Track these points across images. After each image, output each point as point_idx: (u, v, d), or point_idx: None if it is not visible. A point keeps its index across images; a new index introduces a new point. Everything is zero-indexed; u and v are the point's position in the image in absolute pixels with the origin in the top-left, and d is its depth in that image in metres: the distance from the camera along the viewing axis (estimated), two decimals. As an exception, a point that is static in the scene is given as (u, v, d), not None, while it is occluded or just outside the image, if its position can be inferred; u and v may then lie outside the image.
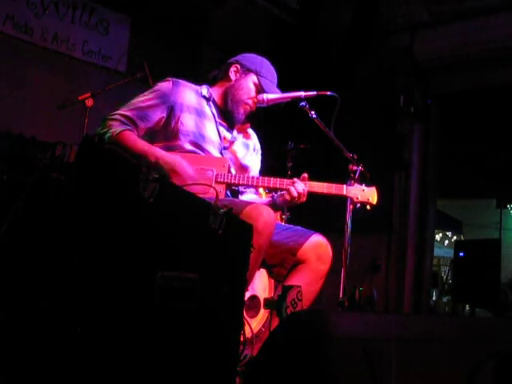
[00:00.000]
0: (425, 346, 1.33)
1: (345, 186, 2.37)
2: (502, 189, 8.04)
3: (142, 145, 2.31)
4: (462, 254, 5.67)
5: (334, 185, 2.37)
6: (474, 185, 8.53)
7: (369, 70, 5.37)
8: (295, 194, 2.30)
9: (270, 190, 2.70)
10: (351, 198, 2.38)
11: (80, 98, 3.59)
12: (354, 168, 2.44)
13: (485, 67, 5.03)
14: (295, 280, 2.28)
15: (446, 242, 11.03)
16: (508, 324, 1.60)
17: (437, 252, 8.12)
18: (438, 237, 10.37)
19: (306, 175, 2.38)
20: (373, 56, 5.36)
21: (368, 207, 2.41)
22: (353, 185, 2.39)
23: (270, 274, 2.57)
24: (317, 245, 2.36)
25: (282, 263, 2.36)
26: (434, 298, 8.31)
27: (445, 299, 8.05)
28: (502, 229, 7.32)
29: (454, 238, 10.78)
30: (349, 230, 2.46)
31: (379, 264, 5.25)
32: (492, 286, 5.09)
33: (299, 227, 2.47)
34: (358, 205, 2.39)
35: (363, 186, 2.40)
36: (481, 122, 6.15)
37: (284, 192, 2.35)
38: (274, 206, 2.41)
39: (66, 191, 1.25)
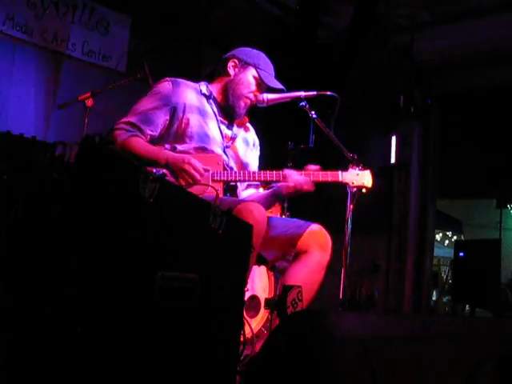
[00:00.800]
0: (425, 346, 1.33)
1: (340, 171, 2.38)
2: (502, 189, 8.04)
3: (150, 149, 2.32)
4: (461, 254, 5.67)
5: (329, 172, 2.38)
6: (474, 185, 8.53)
7: (369, 70, 5.37)
8: (291, 185, 2.32)
9: (265, 184, 2.71)
10: (347, 184, 2.39)
11: (80, 98, 3.58)
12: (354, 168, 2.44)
13: (485, 67, 5.03)
14: (297, 270, 2.30)
15: (446, 241, 11.03)
16: (508, 324, 1.60)
17: (437, 252, 8.12)
18: (438, 237, 10.37)
19: (313, 166, 2.39)
20: (373, 56, 5.36)
21: (364, 190, 2.41)
22: (347, 170, 2.40)
23: (272, 268, 2.57)
24: (317, 234, 2.37)
25: (284, 256, 2.36)
26: (434, 298, 8.30)
27: (445, 299, 8.05)
28: (501, 229, 7.31)
29: (454, 237, 10.77)
30: (349, 230, 2.46)
31: (379, 264, 5.25)
32: (492, 286, 5.09)
33: (296, 219, 2.48)
34: (354, 189, 2.40)
35: (357, 170, 2.40)
36: (481, 122, 6.14)
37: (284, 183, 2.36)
38: (278, 196, 2.42)
39: (66, 191, 1.25)
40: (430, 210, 5.50)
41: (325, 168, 2.42)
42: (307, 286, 2.13)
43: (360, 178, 2.39)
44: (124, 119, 2.38)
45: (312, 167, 2.41)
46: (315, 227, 2.39)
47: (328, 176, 2.38)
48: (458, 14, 4.92)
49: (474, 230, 10.40)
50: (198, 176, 2.28)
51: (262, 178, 2.38)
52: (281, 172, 2.36)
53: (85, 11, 4.53)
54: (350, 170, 2.40)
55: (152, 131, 2.38)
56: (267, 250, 2.35)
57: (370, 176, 2.41)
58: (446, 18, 5.02)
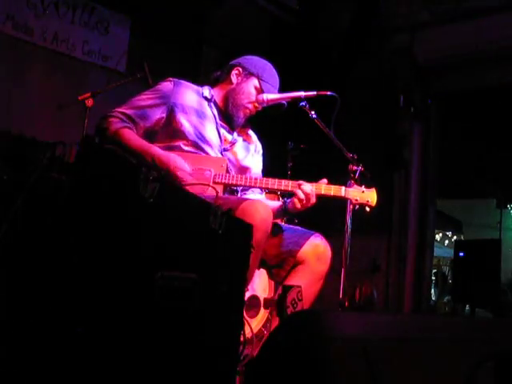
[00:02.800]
0: (425, 345, 1.33)
1: (343, 187, 2.35)
2: (502, 189, 8.04)
3: (140, 143, 2.31)
4: (461, 254, 5.67)
5: (332, 186, 2.34)
6: (474, 185, 8.53)
7: (369, 70, 5.37)
8: (302, 197, 2.27)
9: (270, 192, 2.68)
10: (350, 200, 2.37)
11: (80, 98, 3.58)
12: (354, 168, 2.43)
13: (485, 67, 5.03)
14: (295, 281, 2.28)
15: (446, 241, 11.03)
16: (508, 324, 1.60)
17: (437, 252, 8.12)
18: (438, 237, 10.36)
19: (325, 180, 2.36)
20: (373, 56, 5.36)
21: (367, 209, 2.38)
22: (352, 186, 2.37)
23: (270, 275, 2.57)
24: (316, 246, 2.35)
25: (282, 264, 2.36)
26: (433, 298, 8.30)
27: (445, 299, 8.06)
28: (501, 229, 7.32)
29: (454, 237, 10.77)
30: (349, 230, 2.45)
31: (379, 264, 5.25)
32: (492, 285, 5.10)
33: (299, 227, 2.47)
34: (357, 206, 2.38)
35: (362, 188, 2.37)
36: (481, 122, 6.14)
37: (293, 198, 2.31)
38: (285, 211, 2.38)
39: (66, 191, 1.25)
40: (430, 209, 5.50)
41: (326, 173, 2.39)
42: (304, 296, 2.12)
43: (365, 195, 2.35)
44: (120, 109, 2.38)
45: (324, 180, 2.37)
46: (315, 239, 2.37)
47: (331, 190, 2.33)
48: (458, 13, 4.92)
49: (474, 230, 10.39)
50: (184, 176, 2.25)
51: (264, 186, 2.35)
52: (294, 181, 2.31)
53: (85, 11, 4.53)
54: (356, 186, 2.36)
55: (146, 127, 2.38)
56: (267, 255, 2.34)
57: (375, 195, 2.37)
58: (446, 17, 5.02)
